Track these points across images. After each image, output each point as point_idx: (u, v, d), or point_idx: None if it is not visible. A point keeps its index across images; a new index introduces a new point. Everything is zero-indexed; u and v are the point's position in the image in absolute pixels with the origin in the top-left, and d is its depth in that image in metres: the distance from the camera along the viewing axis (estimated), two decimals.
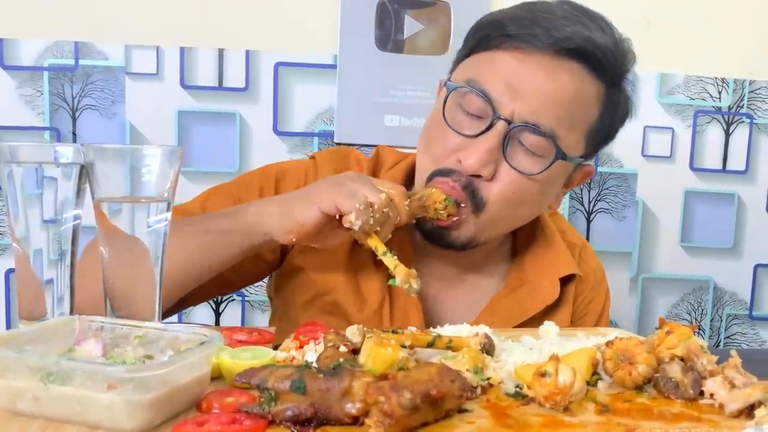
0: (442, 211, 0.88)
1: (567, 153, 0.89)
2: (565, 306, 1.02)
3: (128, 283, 0.68)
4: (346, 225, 0.81)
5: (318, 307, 0.97)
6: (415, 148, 0.99)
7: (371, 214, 0.80)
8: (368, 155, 1.09)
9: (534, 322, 0.97)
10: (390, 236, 0.85)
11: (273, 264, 1.01)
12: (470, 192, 0.89)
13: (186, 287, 0.91)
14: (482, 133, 0.87)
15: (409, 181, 1.02)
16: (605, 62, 0.88)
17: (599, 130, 0.93)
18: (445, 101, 0.90)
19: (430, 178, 0.92)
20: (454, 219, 0.90)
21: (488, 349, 0.69)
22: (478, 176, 0.88)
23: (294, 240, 0.84)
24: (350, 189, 0.81)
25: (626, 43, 0.91)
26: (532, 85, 0.86)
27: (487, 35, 0.90)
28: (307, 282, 0.97)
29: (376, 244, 0.82)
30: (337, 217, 0.82)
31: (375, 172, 1.04)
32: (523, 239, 1.04)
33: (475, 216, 0.90)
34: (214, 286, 0.95)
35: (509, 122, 0.86)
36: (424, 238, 0.95)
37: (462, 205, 0.90)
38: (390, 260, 0.80)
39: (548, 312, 1.00)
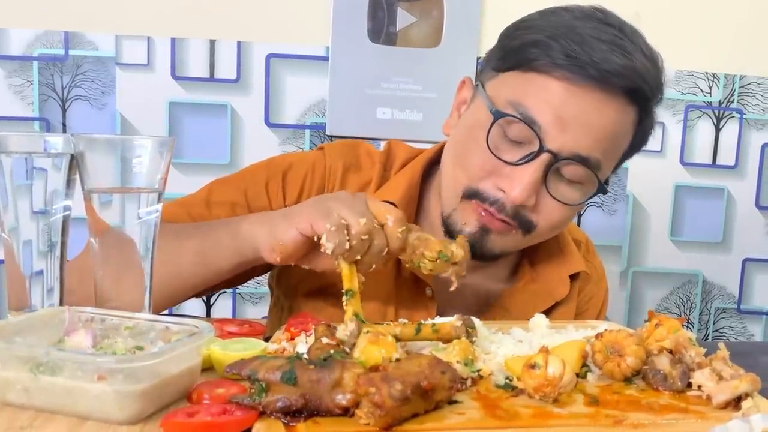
0: (425, 261, 0.78)
1: (603, 179, 0.90)
2: (572, 301, 1.03)
3: (118, 275, 0.67)
4: (322, 249, 0.74)
5: (322, 297, 0.96)
6: (414, 141, 0.97)
7: (346, 238, 0.73)
8: (379, 148, 1.07)
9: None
10: (373, 267, 0.78)
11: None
12: (519, 219, 0.89)
13: (179, 299, 0.90)
14: (525, 161, 0.86)
15: (425, 178, 1.01)
16: (648, 93, 0.88)
17: (628, 152, 0.95)
18: (491, 127, 0.87)
19: (467, 195, 0.90)
20: (500, 225, 0.89)
21: (468, 323, 0.69)
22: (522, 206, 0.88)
23: (279, 260, 0.80)
24: (327, 208, 0.76)
25: (661, 61, 0.90)
26: (581, 118, 0.85)
27: (533, 57, 0.87)
28: (313, 272, 0.97)
29: (344, 277, 0.75)
30: (316, 239, 0.76)
31: (386, 167, 1.02)
32: None
33: (522, 235, 0.91)
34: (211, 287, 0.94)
35: (554, 155, 0.85)
36: None
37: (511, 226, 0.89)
38: (347, 303, 0.73)
39: (556, 307, 1.01)
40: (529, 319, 0.81)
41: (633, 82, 0.85)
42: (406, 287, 0.97)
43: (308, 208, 0.78)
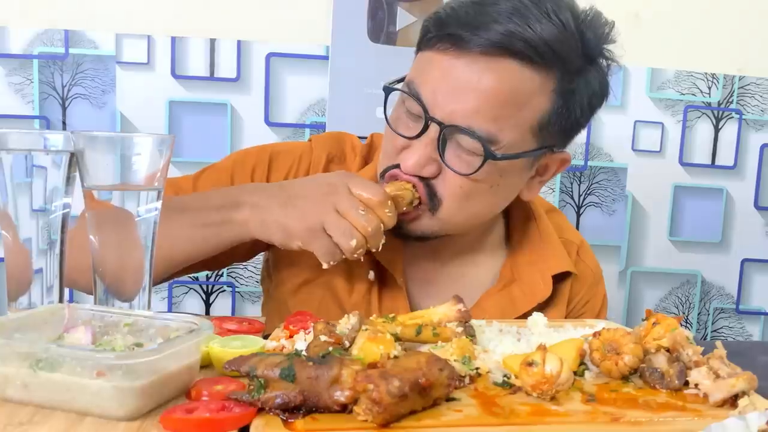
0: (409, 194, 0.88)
1: (509, 151, 0.86)
2: (559, 304, 1.01)
3: (118, 269, 0.67)
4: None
5: (310, 289, 0.98)
6: None
7: (342, 255, 0.84)
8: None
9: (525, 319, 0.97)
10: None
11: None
12: (426, 186, 0.89)
13: (170, 271, 0.92)
14: (419, 135, 0.87)
15: None
16: (545, 54, 0.83)
17: (557, 120, 0.89)
18: (386, 102, 0.91)
19: (382, 174, 0.92)
20: (410, 214, 0.89)
21: (469, 331, 0.70)
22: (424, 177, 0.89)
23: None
24: (320, 223, 0.83)
25: (584, 25, 0.86)
26: (462, 86, 0.84)
27: (428, 34, 0.88)
28: (301, 264, 0.98)
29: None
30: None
31: (367, 159, 1.04)
32: (517, 234, 1.03)
33: (431, 213, 0.90)
34: (201, 265, 0.95)
35: (441, 124, 0.85)
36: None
37: (419, 201, 0.89)
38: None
39: (540, 309, 0.96)
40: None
41: (508, 44, 0.82)
42: (388, 282, 0.97)
43: (299, 222, 0.84)
